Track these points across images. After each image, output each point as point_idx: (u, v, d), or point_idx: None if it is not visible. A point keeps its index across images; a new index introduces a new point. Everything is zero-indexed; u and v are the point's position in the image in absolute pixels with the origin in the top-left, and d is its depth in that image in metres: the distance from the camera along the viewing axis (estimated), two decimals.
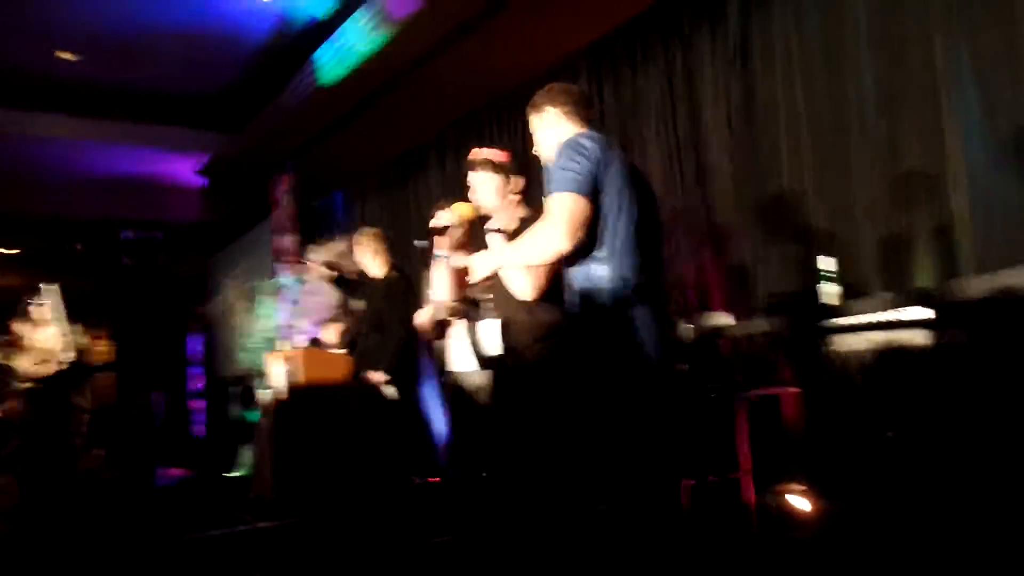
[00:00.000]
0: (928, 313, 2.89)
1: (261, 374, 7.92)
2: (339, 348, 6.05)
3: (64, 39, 6.34)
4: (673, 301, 4.58)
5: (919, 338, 2.93)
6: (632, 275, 2.31)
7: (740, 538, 3.55)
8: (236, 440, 8.70)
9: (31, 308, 5.60)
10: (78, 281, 9.91)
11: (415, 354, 5.86)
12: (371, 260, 4.98)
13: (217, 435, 10.17)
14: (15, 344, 5.49)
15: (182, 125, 8.14)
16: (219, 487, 7.80)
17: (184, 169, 9.12)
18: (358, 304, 5.60)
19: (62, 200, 9.60)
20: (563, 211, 2.27)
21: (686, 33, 4.53)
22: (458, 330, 3.82)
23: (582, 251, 2.34)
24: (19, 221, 9.76)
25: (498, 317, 3.23)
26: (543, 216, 2.32)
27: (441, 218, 2.88)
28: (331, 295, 6.44)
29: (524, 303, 3.07)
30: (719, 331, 3.78)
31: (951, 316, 2.82)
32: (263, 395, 6.75)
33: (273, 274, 8.44)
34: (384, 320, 4.83)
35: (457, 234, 2.91)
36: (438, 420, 6.65)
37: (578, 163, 2.30)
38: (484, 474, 3.77)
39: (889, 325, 2.97)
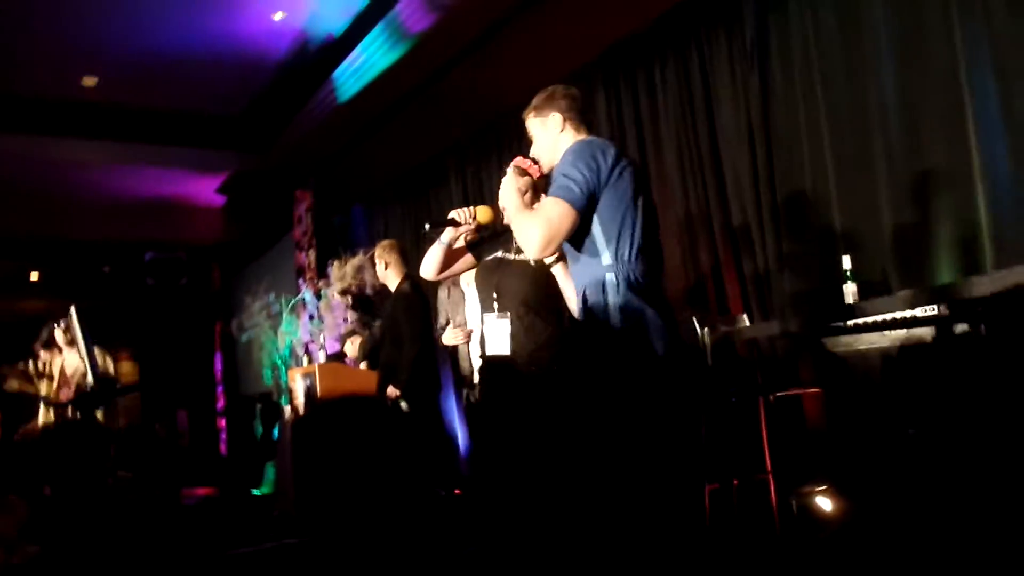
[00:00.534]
0: (948, 310, 2.86)
1: (284, 391, 7.97)
2: (359, 362, 6.09)
3: (85, 64, 6.46)
4: (692, 304, 4.58)
5: (940, 335, 2.91)
6: (642, 282, 2.31)
7: (764, 540, 3.52)
8: (260, 457, 8.74)
9: (53, 333, 5.66)
10: (102, 303, 10.08)
11: (434, 366, 5.88)
12: (385, 272, 4.99)
13: (241, 453, 10.22)
14: (37, 369, 5.55)
15: (203, 146, 8.23)
16: (244, 505, 7.82)
17: (206, 189, 9.21)
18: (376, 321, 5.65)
19: (85, 223, 9.73)
20: (547, 220, 2.28)
21: (702, 37, 4.54)
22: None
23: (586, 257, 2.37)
24: (42, 245, 9.90)
25: (506, 316, 3.25)
26: (534, 212, 2.37)
27: (460, 212, 2.91)
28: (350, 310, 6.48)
29: (526, 311, 3.09)
30: (739, 333, 3.77)
31: (971, 313, 2.79)
32: (286, 412, 6.79)
33: (295, 290, 8.49)
34: (400, 333, 4.83)
35: (468, 230, 2.94)
36: (461, 431, 6.66)
37: (582, 174, 2.30)
38: (496, 483, 3.75)
39: (910, 323, 2.95)
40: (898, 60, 3.61)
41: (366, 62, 6.00)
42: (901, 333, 2.99)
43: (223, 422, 11.28)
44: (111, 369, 5.53)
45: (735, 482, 3.71)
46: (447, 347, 6.69)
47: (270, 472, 8.00)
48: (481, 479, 3.84)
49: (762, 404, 3.60)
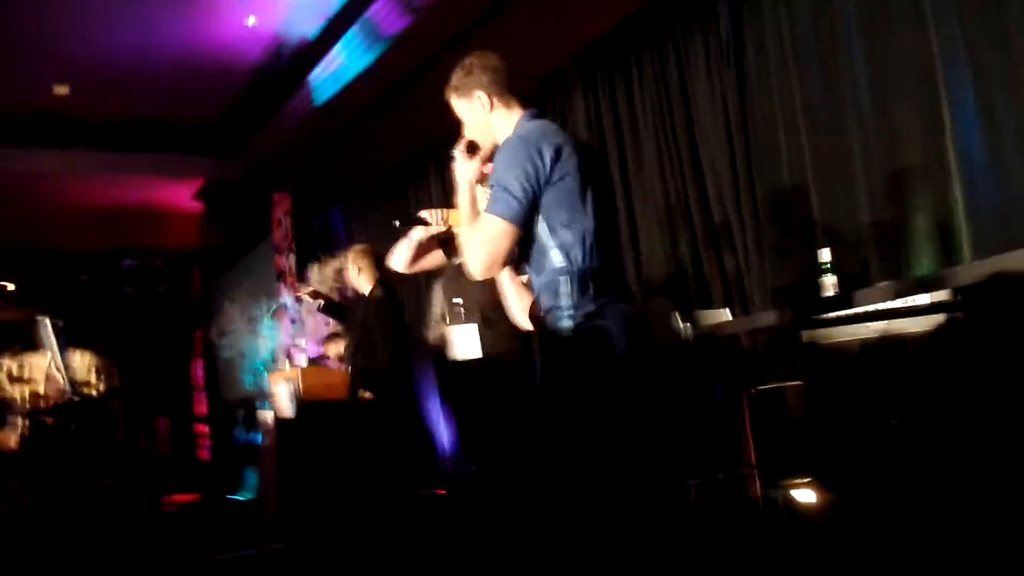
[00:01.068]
0: (927, 299, 2.88)
1: (264, 395, 7.92)
2: (341, 365, 6.06)
3: (57, 73, 6.38)
4: (674, 299, 4.59)
5: (920, 326, 2.93)
6: (598, 278, 2.21)
7: (749, 533, 3.53)
8: (241, 463, 8.68)
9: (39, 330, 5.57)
10: (81, 312, 9.97)
11: (408, 368, 5.86)
12: (357, 277, 4.98)
13: (222, 459, 10.16)
14: (9, 377, 5.47)
15: (179, 152, 8.17)
16: (225, 510, 7.77)
17: (183, 195, 9.15)
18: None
19: (62, 232, 9.64)
20: (486, 242, 2.19)
21: (678, 34, 4.55)
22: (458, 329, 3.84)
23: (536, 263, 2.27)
24: (18, 255, 9.79)
25: (470, 322, 3.27)
26: (475, 231, 2.24)
27: (432, 213, 2.91)
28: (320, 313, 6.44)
29: (498, 306, 3.09)
30: (721, 328, 3.78)
31: (951, 302, 2.81)
32: (265, 416, 6.74)
33: (275, 294, 8.45)
34: (372, 338, 4.82)
35: (439, 231, 2.94)
36: (443, 432, 6.64)
37: (519, 182, 2.16)
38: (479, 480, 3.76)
39: (890, 314, 2.96)
40: (872, 53, 3.63)
41: (341, 65, 5.97)
42: (881, 324, 3.00)
43: (204, 428, 11.20)
44: (86, 377, 5.46)
45: (719, 476, 3.72)
46: (427, 348, 6.66)
47: (251, 478, 7.94)
48: (474, 479, 3.83)
49: (745, 398, 3.61)
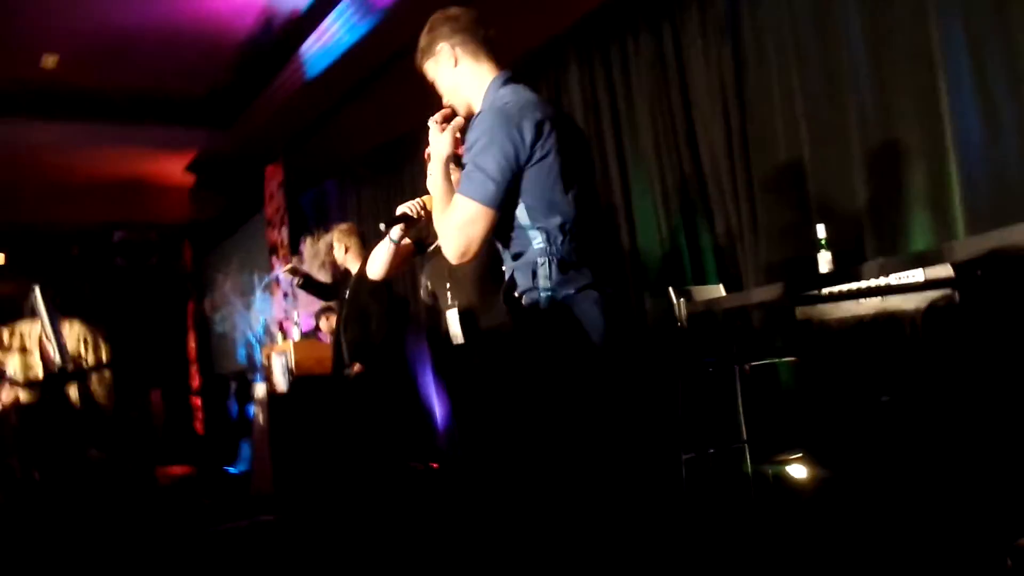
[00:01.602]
0: (922, 276, 2.89)
1: (257, 368, 7.92)
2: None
3: (44, 44, 6.30)
4: (668, 274, 4.60)
5: (914, 302, 2.93)
6: (578, 261, 2.09)
7: (740, 508, 3.56)
8: (235, 436, 8.71)
9: (27, 308, 5.55)
10: (72, 284, 9.93)
11: (402, 341, 5.86)
12: (345, 256, 5.04)
13: (216, 431, 10.19)
14: (1, 344, 5.45)
15: (170, 124, 8.10)
16: (220, 483, 7.81)
17: (175, 168, 9.09)
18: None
19: (52, 205, 9.57)
20: (459, 227, 2.04)
21: (675, 9, 4.51)
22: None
23: (514, 249, 2.14)
24: (8, 228, 9.73)
25: (456, 306, 3.27)
26: (448, 215, 2.08)
27: (411, 206, 2.88)
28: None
29: (484, 287, 3.08)
30: (715, 303, 3.78)
31: (945, 279, 2.81)
32: (259, 390, 6.75)
33: (267, 268, 8.43)
34: (365, 311, 4.86)
35: (416, 223, 2.91)
36: (439, 405, 6.67)
37: (497, 163, 2.01)
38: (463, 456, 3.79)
39: (884, 290, 2.97)
40: (870, 29, 3.60)
41: (333, 37, 5.91)
42: (875, 301, 3.01)
43: (198, 401, 11.22)
44: (78, 348, 5.43)
45: (711, 451, 3.74)
46: (423, 321, 6.67)
47: (246, 450, 7.97)
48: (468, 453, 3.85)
49: (738, 373, 3.63)
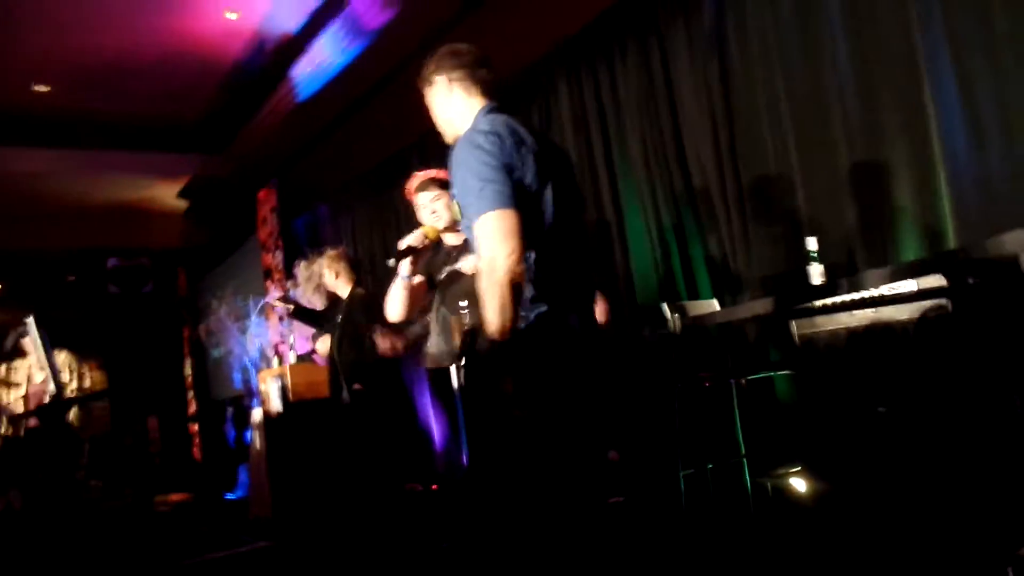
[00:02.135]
0: (914, 286, 2.89)
1: (254, 393, 7.90)
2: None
3: (37, 71, 6.32)
4: (661, 290, 4.60)
5: (906, 313, 2.94)
6: (550, 281, 2.15)
7: (740, 522, 3.54)
8: (233, 461, 8.66)
9: (18, 341, 5.56)
10: (66, 312, 9.90)
11: (398, 363, 5.84)
12: (335, 281, 5.07)
13: (213, 457, 10.13)
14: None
15: (162, 150, 8.12)
16: (219, 510, 7.76)
17: (167, 193, 9.10)
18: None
19: (45, 233, 9.56)
20: (497, 233, 2.05)
21: (661, 25, 4.54)
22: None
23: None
24: (2, 256, 9.72)
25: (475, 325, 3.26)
26: (477, 248, 2.10)
27: (409, 239, 2.88)
28: (319, 307, 6.43)
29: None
30: (709, 318, 3.78)
31: (936, 289, 2.82)
32: (255, 414, 6.72)
33: (263, 292, 8.41)
34: (359, 331, 4.86)
35: (423, 254, 2.91)
36: (436, 426, 6.64)
37: (490, 168, 2.09)
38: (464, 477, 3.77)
39: (877, 302, 2.97)
40: (855, 42, 3.63)
41: (324, 60, 5.94)
42: (868, 312, 3.01)
43: (195, 427, 11.17)
44: (74, 377, 5.43)
45: (710, 466, 3.73)
46: (419, 343, 6.62)
47: (244, 476, 7.93)
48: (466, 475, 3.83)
49: (734, 387, 3.62)
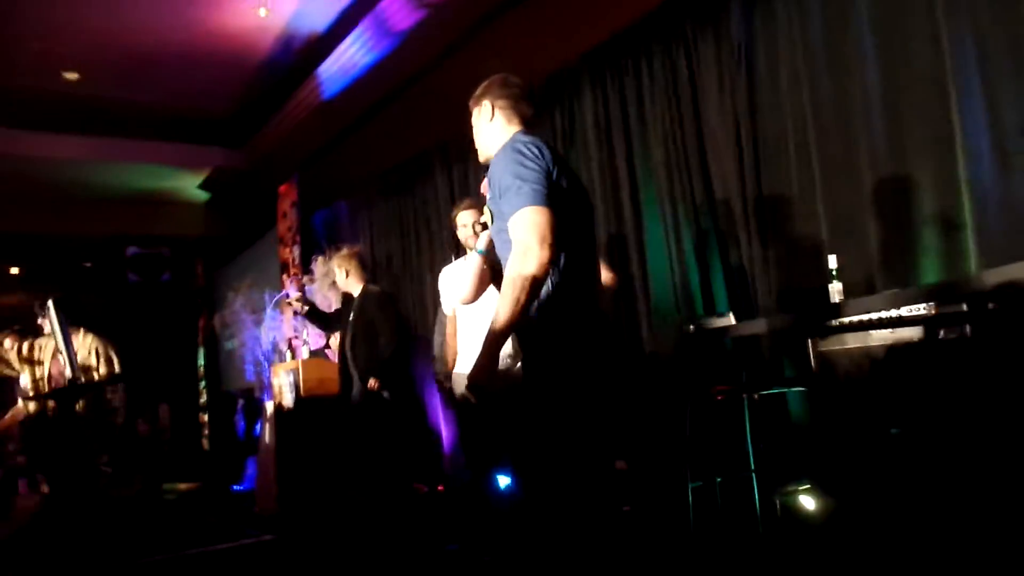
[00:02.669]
0: (933, 310, 2.88)
1: (266, 386, 7.93)
2: None
3: (67, 59, 6.39)
4: (679, 302, 4.60)
5: (925, 335, 2.93)
6: (573, 291, 2.28)
7: (748, 538, 3.53)
8: (241, 453, 8.70)
9: (38, 321, 5.60)
10: (85, 298, 9.98)
11: (410, 362, 5.85)
12: (346, 280, 5.11)
13: (222, 448, 10.18)
14: (21, 354, 5.48)
15: (186, 141, 8.19)
16: (225, 500, 7.79)
17: (189, 184, 9.17)
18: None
19: (67, 218, 9.66)
20: (533, 226, 2.16)
21: (689, 37, 4.54)
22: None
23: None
24: (24, 240, 9.81)
25: None
26: (513, 243, 2.20)
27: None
28: (335, 303, 6.46)
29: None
30: (725, 331, 3.78)
31: (956, 313, 2.80)
32: (267, 408, 6.76)
33: (279, 286, 8.46)
34: (374, 329, 4.89)
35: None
36: (444, 427, 6.65)
37: (530, 170, 2.22)
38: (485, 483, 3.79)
39: (895, 322, 2.96)
40: (883, 61, 3.62)
41: (351, 59, 5.97)
42: (886, 333, 3.00)
43: (205, 417, 11.22)
44: (103, 356, 5.47)
45: (719, 480, 3.72)
46: (429, 345, 6.65)
47: (251, 468, 7.96)
48: (474, 478, 3.86)
49: (747, 402, 3.61)
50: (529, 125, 2.52)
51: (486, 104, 2.53)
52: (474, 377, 2.24)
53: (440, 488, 6.23)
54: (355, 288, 5.12)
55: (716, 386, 3.66)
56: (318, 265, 7.38)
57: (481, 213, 3.80)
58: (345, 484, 5.33)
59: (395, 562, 4.23)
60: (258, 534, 5.40)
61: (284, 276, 8.58)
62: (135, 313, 10.57)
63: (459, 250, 3.91)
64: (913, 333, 2.92)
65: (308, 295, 5.70)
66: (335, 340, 6.36)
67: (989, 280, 2.65)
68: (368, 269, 5.30)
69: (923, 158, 3.47)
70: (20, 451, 5.97)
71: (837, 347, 3.19)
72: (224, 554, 4.86)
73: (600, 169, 5.09)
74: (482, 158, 2.55)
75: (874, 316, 2.99)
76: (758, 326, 3.61)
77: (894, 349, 2.99)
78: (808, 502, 3.42)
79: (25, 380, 5.40)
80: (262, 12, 5.73)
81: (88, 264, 10.95)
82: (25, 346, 5.42)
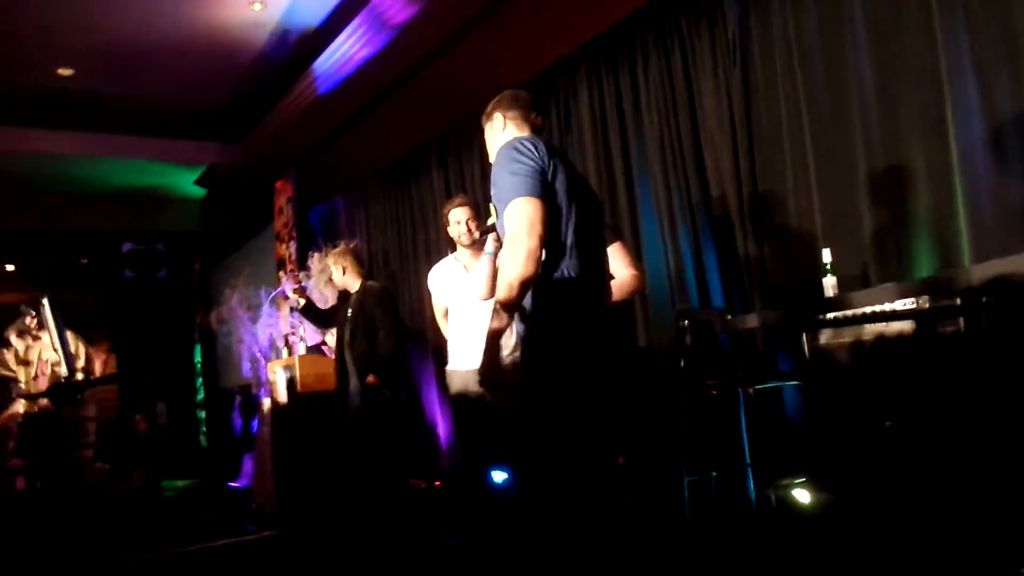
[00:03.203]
0: (928, 303, 2.88)
1: (262, 383, 7.93)
2: None
3: (61, 54, 6.37)
4: (673, 296, 4.60)
5: (919, 329, 2.93)
6: (574, 281, 2.33)
7: (743, 531, 3.54)
8: (238, 450, 8.70)
9: (27, 321, 5.60)
10: (80, 294, 9.97)
11: (407, 358, 5.82)
12: (343, 277, 5.10)
13: (218, 444, 10.18)
14: (16, 355, 5.49)
15: (181, 137, 8.17)
16: (223, 497, 7.80)
17: (185, 180, 9.15)
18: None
19: (63, 214, 9.65)
20: (523, 216, 2.24)
21: (684, 31, 4.54)
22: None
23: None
24: (19, 236, 9.80)
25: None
26: (506, 234, 2.29)
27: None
28: (331, 299, 6.46)
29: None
30: (719, 325, 3.78)
31: (950, 306, 2.81)
32: (263, 404, 6.76)
33: (275, 282, 8.45)
34: (375, 326, 4.88)
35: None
36: (442, 423, 6.66)
37: (523, 164, 2.30)
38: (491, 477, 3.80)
39: (890, 316, 2.97)
40: (877, 55, 3.62)
41: (346, 54, 5.96)
42: (880, 326, 3.01)
43: (203, 414, 11.22)
44: (82, 355, 5.47)
45: (714, 474, 3.73)
46: (428, 340, 6.67)
47: (248, 465, 7.97)
48: (472, 473, 3.87)
49: (741, 396, 3.62)
50: (538, 134, 2.60)
51: (498, 117, 2.64)
52: (483, 373, 2.31)
53: (437, 484, 6.24)
54: (353, 284, 5.11)
55: (711, 380, 3.67)
56: (314, 261, 7.38)
57: (473, 210, 3.86)
58: (342, 480, 5.33)
59: (392, 558, 4.23)
60: (258, 530, 5.41)
61: (281, 272, 8.57)
62: (131, 310, 10.56)
63: (452, 247, 3.91)
64: (907, 327, 2.93)
65: (305, 293, 5.69)
66: (332, 336, 6.36)
67: (982, 274, 2.66)
68: (365, 265, 5.30)
69: (917, 151, 3.48)
70: (17, 451, 5.97)
71: (832, 341, 3.19)
72: (226, 550, 4.87)
73: (596, 161, 5.09)
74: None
75: (869, 310, 3.00)
76: (752, 320, 3.61)
77: (888, 343, 3.00)
78: (803, 496, 3.43)
79: (20, 381, 5.41)
80: (256, 6, 5.72)
81: (84, 260, 10.93)
82: (23, 347, 5.43)
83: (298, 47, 6.35)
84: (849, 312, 3.06)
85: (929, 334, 2.86)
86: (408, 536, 4.65)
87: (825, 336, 3.22)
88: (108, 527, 5.59)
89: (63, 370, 4.76)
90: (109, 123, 7.71)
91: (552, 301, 2.30)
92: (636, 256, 4.81)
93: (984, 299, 2.67)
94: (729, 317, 3.79)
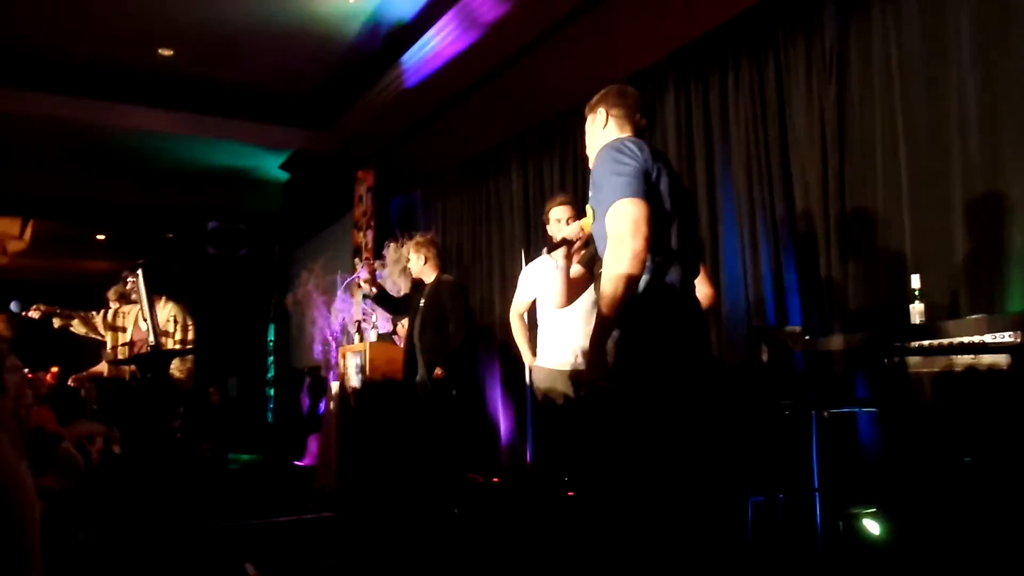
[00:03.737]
0: (1019, 337, 2.77)
1: (332, 366, 8.07)
2: None
3: (163, 35, 6.59)
4: (752, 313, 4.51)
5: (1008, 364, 2.82)
6: (676, 286, 2.29)
7: (806, 557, 3.46)
8: (304, 430, 8.88)
9: (127, 286, 5.74)
10: (164, 267, 10.30)
11: (476, 353, 5.82)
12: (423, 266, 5.13)
13: (285, 423, 10.40)
14: (106, 319, 5.66)
15: (270, 121, 8.37)
16: (286, 474, 7.97)
17: (271, 163, 9.37)
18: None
19: (154, 189, 9.98)
20: (627, 218, 2.19)
21: (779, 41, 4.44)
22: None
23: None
24: (111, 208, 10.17)
25: None
26: (608, 236, 2.24)
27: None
28: (404, 288, 6.52)
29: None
30: (798, 346, 3.69)
31: None
32: (332, 387, 6.88)
33: (351, 269, 8.59)
34: (445, 318, 4.92)
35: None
36: (504, 420, 6.68)
37: (627, 165, 2.25)
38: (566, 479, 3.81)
39: (979, 348, 2.86)
40: (982, 74, 3.47)
41: (435, 48, 6.01)
42: (967, 359, 2.90)
43: (271, 392, 11.49)
44: (179, 325, 5.60)
45: (780, 496, 3.65)
46: (495, 337, 6.69)
47: (312, 445, 8.13)
48: (534, 471, 3.88)
49: (815, 419, 3.53)
50: (640, 135, 2.52)
51: (601, 111, 2.55)
52: (590, 375, 2.26)
53: (495, 480, 6.27)
54: (429, 275, 5.14)
55: (784, 400, 3.59)
56: (390, 251, 7.47)
57: (574, 209, 3.81)
58: (402, 468, 5.39)
59: (443, 549, 4.26)
60: (318, 510, 5.51)
61: (356, 260, 8.71)
62: (211, 285, 10.86)
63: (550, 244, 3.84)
64: (1001, 360, 2.82)
65: (378, 279, 5.75)
66: (403, 325, 6.44)
67: None
68: (443, 257, 5.33)
69: (1018, 178, 3.33)
70: (94, 413, 6.16)
71: (914, 370, 3.09)
72: (285, 526, 4.98)
73: (678, 172, 5.02)
74: (592, 164, 2.54)
75: (957, 341, 2.89)
76: (833, 342, 3.52)
77: (974, 376, 2.89)
78: (872, 526, 3.33)
79: (108, 345, 5.58)
80: None
81: (170, 235, 11.28)
82: (111, 313, 5.60)
83: (388, 40, 6.44)
84: (935, 342, 2.96)
85: (1019, 370, 2.74)
86: (461, 529, 4.67)
87: (907, 364, 3.12)
88: (177, 495, 5.75)
89: (151, 339, 4.88)
90: (202, 104, 7.94)
91: (657, 309, 2.26)
92: (714, 269, 4.74)
93: None
94: (808, 337, 3.70)
